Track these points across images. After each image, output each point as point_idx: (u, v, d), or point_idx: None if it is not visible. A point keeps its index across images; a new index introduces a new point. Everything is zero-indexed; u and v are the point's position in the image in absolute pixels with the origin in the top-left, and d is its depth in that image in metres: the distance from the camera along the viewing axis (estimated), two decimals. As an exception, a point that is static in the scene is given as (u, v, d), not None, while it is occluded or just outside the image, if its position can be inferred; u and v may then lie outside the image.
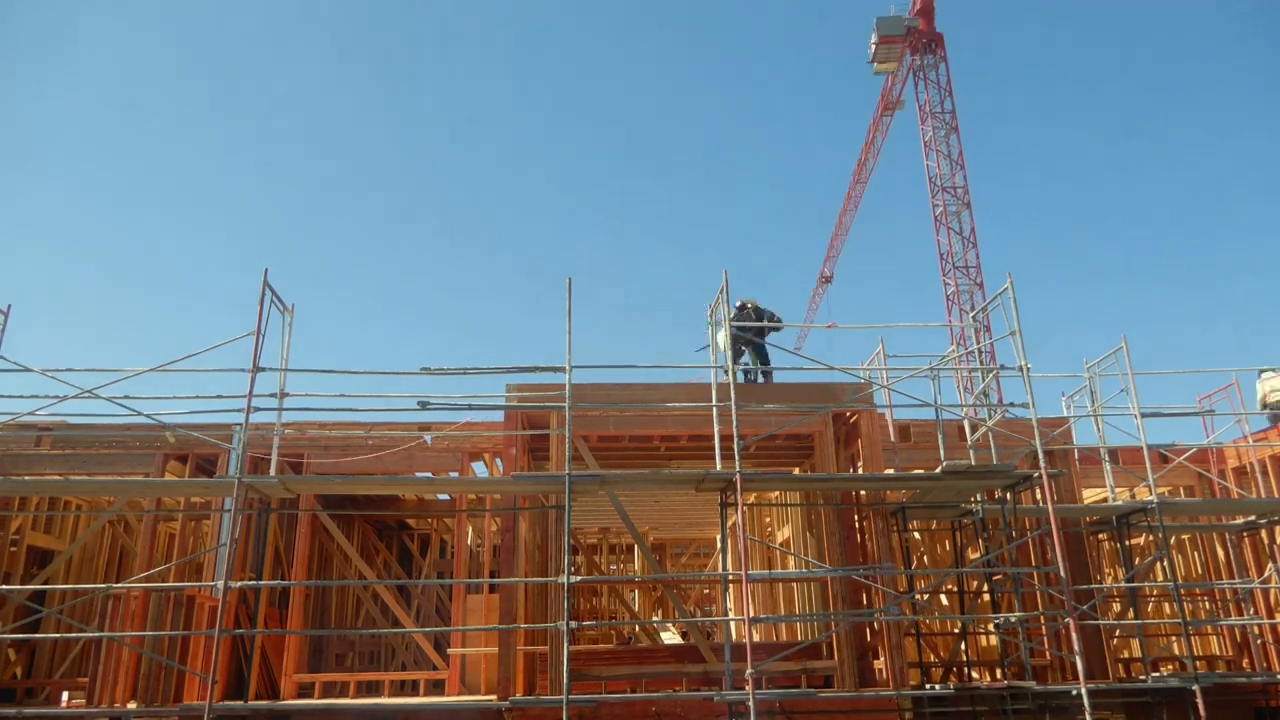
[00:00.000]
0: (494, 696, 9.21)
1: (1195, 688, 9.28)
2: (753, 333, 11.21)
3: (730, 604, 8.81)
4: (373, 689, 12.04)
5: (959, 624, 11.23)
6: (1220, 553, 12.83)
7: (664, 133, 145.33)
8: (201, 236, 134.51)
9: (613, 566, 20.12)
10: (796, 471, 12.41)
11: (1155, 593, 13.61)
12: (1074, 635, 8.93)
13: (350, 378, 12.29)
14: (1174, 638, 13.49)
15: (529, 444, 11.09)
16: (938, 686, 9.59)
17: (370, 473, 11.20)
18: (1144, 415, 10.87)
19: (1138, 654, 11.19)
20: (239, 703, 8.80)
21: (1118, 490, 11.65)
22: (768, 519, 14.37)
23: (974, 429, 10.97)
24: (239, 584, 9.13)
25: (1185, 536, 13.58)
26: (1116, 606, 13.19)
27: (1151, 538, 11.87)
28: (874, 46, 41.25)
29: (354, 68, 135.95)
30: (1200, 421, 12.65)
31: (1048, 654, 10.46)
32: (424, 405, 8.73)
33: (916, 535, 13.09)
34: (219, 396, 8.94)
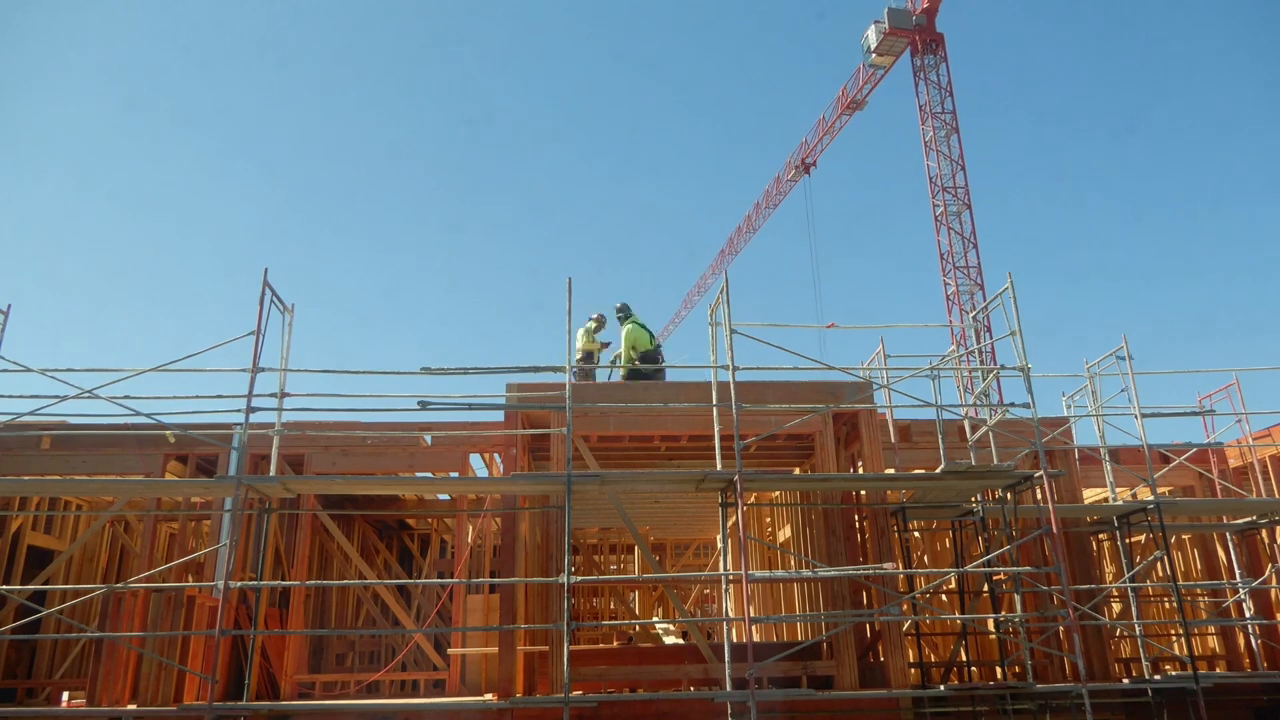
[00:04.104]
0: (494, 696, 9.21)
1: (1196, 688, 9.28)
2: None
3: (730, 604, 8.81)
4: (373, 689, 12.04)
5: (959, 624, 11.23)
6: (1220, 553, 12.84)
7: (664, 132, 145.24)
8: (202, 236, 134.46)
9: (613, 566, 20.12)
10: (797, 471, 12.41)
11: (1156, 593, 13.61)
12: (1074, 635, 8.94)
13: (350, 378, 12.30)
14: (1174, 638, 13.51)
15: (529, 444, 11.09)
16: (942, 687, 9.58)
17: (370, 473, 11.20)
18: (1144, 415, 10.88)
19: (1138, 654, 11.19)
20: (239, 703, 8.78)
21: (1118, 490, 11.65)
22: (768, 519, 14.37)
23: (974, 429, 10.97)
24: (239, 584, 9.13)
25: (1185, 536, 13.58)
26: (1117, 606, 13.19)
27: (1152, 537, 11.86)
28: (878, 37, 40.88)
29: (354, 67, 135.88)
30: (1200, 421, 12.66)
31: (1049, 654, 10.47)
32: (424, 405, 8.72)
33: (917, 535, 13.09)
34: (219, 396, 8.95)
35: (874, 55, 41.39)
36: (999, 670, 10.20)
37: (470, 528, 12.23)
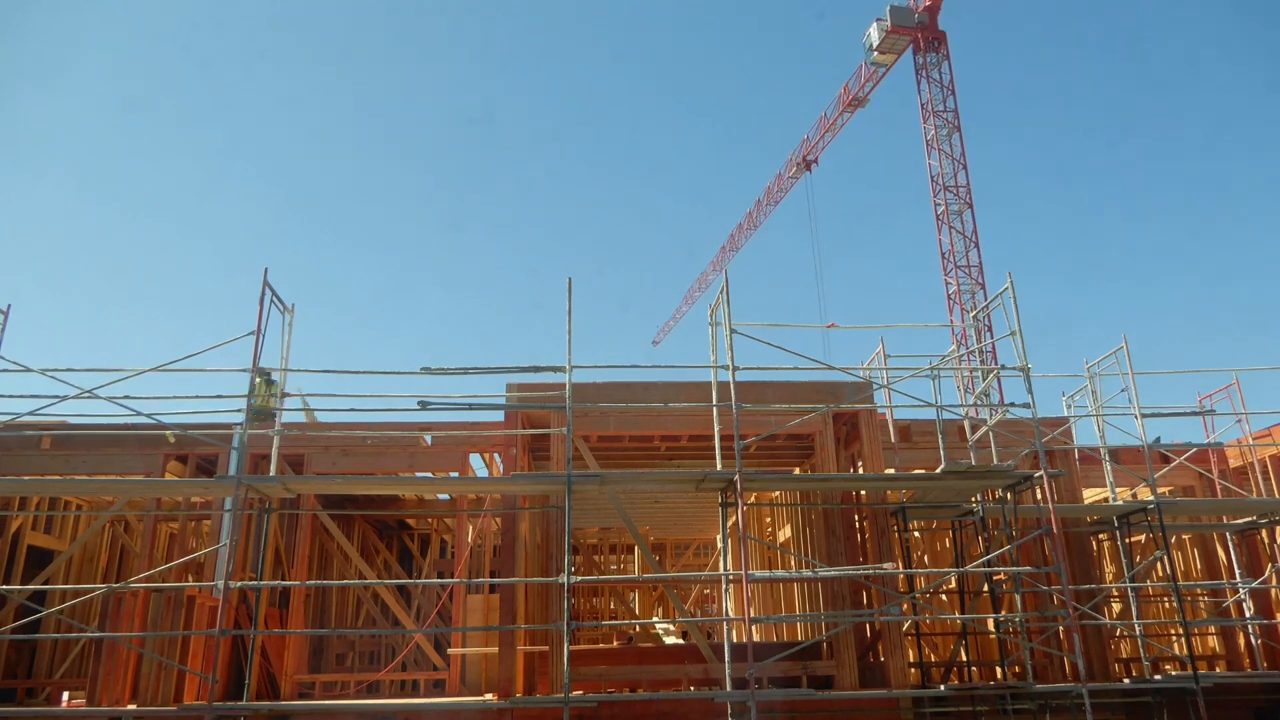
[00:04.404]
0: (494, 696, 9.20)
1: (1196, 687, 9.27)
2: None
3: (730, 604, 8.81)
4: (373, 689, 12.05)
5: (959, 624, 11.23)
6: (1220, 553, 12.83)
7: (664, 131, 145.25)
8: (202, 236, 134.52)
9: (613, 566, 20.12)
10: (797, 471, 12.40)
11: (1156, 593, 13.60)
12: (1074, 635, 8.93)
13: (350, 377, 12.31)
14: (1174, 638, 13.50)
15: (529, 444, 11.08)
16: (943, 687, 9.58)
17: (370, 473, 11.20)
18: (1144, 415, 10.87)
19: (1138, 654, 11.19)
20: (239, 703, 8.78)
21: (1118, 490, 11.65)
22: (768, 519, 14.37)
23: (974, 429, 10.96)
24: (239, 584, 9.13)
25: (1185, 536, 13.57)
26: (1117, 606, 13.18)
27: (1152, 537, 11.85)
28: (880, 36, 40.99)
29: (354, 67, 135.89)
30: (1200, 421, 12.65)
31: (1049, 654, 10.46)
32: (424, 405, 8.72)
33: (917, 535, 13.09)
34: (219, 396, 8.96)
35: (876, 53, 41.41)
36: (999, 670, 10.19)
37: (470, 528, 12.23)
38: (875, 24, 41.26)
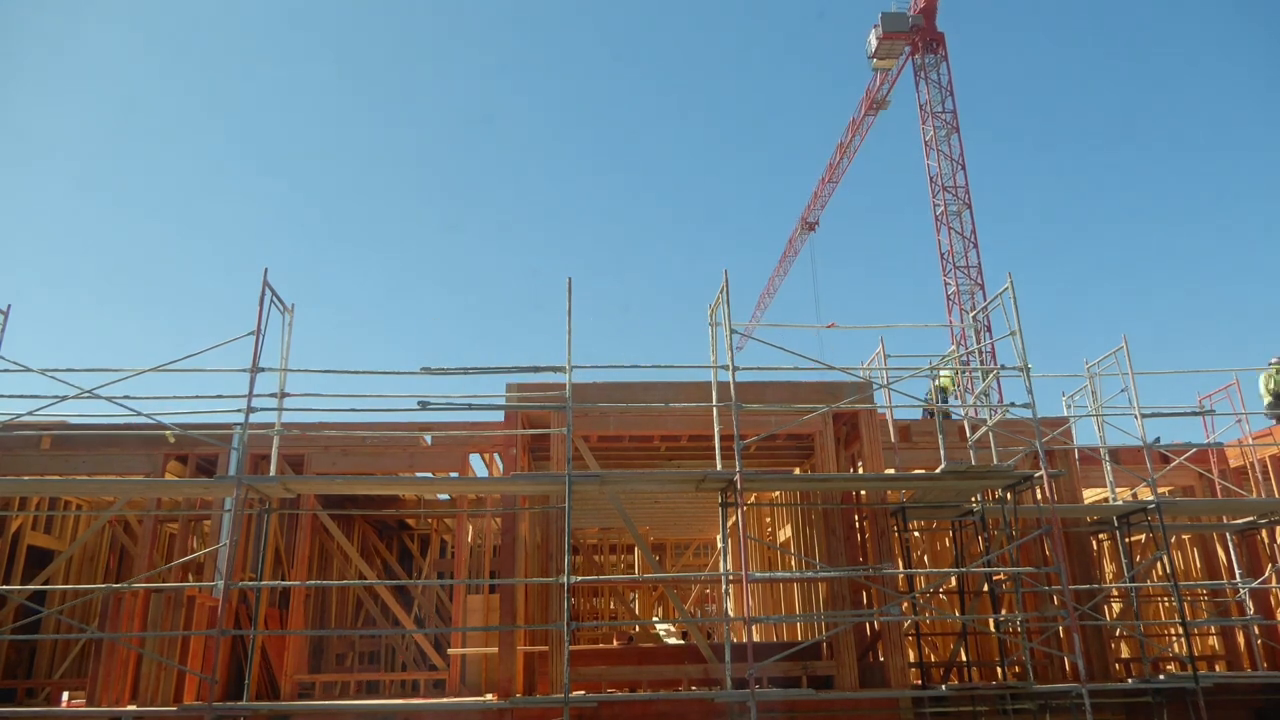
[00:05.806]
0: (494, 696, 9.21)
1: (1195, 687, 9.28)
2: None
3: (730, 604, 8.81)
4: (373, 689, 12.05)
5: (959, 624, 11.23)
6: (1220, 553, 12.83)
7: (663, 131, 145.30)
8: (202, 236, 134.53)
9: (614, 565, 20.14)
10: (797, 471, 12.41)
11: (1156, 593, 13.61)
12: (1074, 635, 8.93)
13: (350, 378, 12.30)
14: (1174, 638, 13.50)
15: (529, 444, 11.08)
16: (943, 687, 9.58)
17: (370, 473, 11.20)
18: (1144, 415, 10.87)
19: (1138, 654, 11.18)
20: (239, 703, 8.78)
21: (1118, 490, 11.66)
22: (768, 519, 14.37)
23: (974, 429, 10.97)
24: (239, 584, 9.12)
25: (1185, 536, 13.58)
26: (1117, 606, 13.19)
27: (1152, 537, 11.86)
28: (876, 41, 41.38)
29: (355, 67, 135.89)
30: (1200, 421, 12.65)
31: (1049, 654, 10.46)
32: (424, 405, 8.72)
33: (917, 535, 13.09)
34: (219, 396, 8.94)
35: (876, 60, 41.79)
36: (999, 670, 10.19)
37: (470, 528, 12.23)
38: (873, 30, 41.61)
